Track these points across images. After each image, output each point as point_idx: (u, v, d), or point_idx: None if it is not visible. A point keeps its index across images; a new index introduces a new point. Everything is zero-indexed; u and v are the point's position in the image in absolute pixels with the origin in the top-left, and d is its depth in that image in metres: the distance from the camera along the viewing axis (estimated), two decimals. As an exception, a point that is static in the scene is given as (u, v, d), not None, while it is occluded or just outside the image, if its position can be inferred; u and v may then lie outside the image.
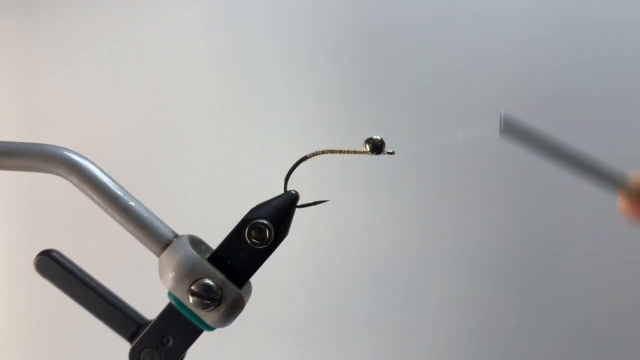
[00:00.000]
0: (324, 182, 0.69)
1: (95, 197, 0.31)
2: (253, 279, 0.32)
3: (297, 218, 0.32)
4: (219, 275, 0.30)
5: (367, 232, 0.73)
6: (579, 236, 0.70)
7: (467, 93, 0.71)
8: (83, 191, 0.31)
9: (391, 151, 0.32)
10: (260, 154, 0.74)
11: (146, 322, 0.32)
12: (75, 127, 0.77)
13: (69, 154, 0.31)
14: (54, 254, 0.33)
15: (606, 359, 0.68)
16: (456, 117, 0.71)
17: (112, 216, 0.31)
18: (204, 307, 0.30)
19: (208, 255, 0.31)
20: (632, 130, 0.69)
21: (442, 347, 0.71)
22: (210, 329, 0.31)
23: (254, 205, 0.31)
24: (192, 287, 0.29)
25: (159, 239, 0.31)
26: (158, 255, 0.31)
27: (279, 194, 0.32)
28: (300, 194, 0.32)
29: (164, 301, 0.32)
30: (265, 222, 0.30)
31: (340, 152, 0.32)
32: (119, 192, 0.31)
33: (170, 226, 0.32)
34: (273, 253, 0.31)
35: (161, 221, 0.32)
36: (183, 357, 0.32)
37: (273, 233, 0.30)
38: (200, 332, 0.31)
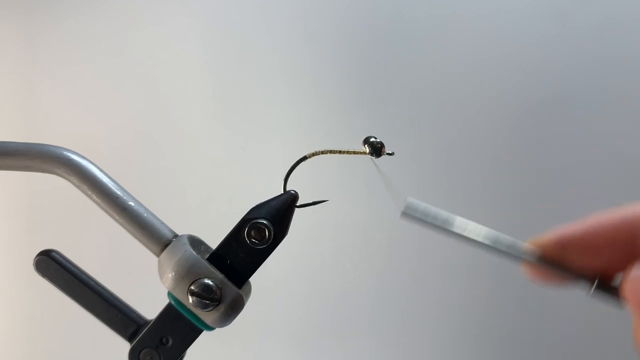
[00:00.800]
0: (324, 182, 0.69)
1: (94, 197, 0.31)
2: (253, 279, 0.32)
3: (297, 218, 0.32)
4: (219, 275, 0.30)
5: (366, 232, 0.73)
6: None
7: (467, 93, 0.71)
8: (83, 191, 0.31)
9: (391, 152, 0.32)
10: (260, 154, 0.74)
11: (146, 322, 0.32)
12: (75, 127, 0.77)
13: (69, 154, 0.31)
14: (54, 254, 0.33)
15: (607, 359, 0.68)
16: (456, 117, 0.72)
17: (111, 216, 0.31)
18: (204, 307, 0.30)
19: (207, 255, 0.31)
20: (632, 130, 0.69)
21: (443, 347, 0.71)
22: (210, 328, 0.31)
23: (253, 205, 0.31)
24: (192, 287, 0.29)
25: (158, 239, 0.31)
26: (157, 255, 0.31)
27: (279, 194, 0.32)
28: (300, 194, 0.32)
29: (164, 301, 0.32)
30: (264, 222, 0.30)
31: (340, 152, 0.32)
32: (118, 192, 0.31)
33: (170, 226, 0.33)
34: (273, 253, 0.31)
35: (161, 221, 0.32)
36: (182, 357, 0.32)
37: (272, 233, 0.30)
38: (200, 332, 0.31)
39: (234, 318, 0.31)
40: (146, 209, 0.31)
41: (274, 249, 0.31)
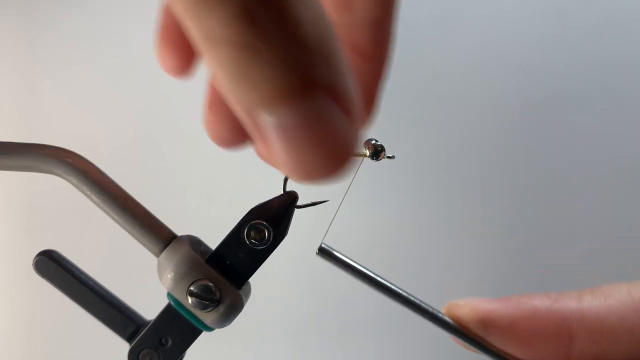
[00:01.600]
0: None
1: (93, 197, 0.31)
2: (253, 279, 0.32)
3: (297, 218, 0.32)
4: (218, 276, 0.30)
5: (367, 232, 0.73)
6: (579, 236, 0.70)
7: (467, 93, 0.71)
8: (82, 191, 0.31)
9: (391, 155, 0.32)
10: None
11: (145, 322, 0.32)
12: (75, 127, 0.77)
13: (68, 154, 0.31)
14: (53, 255, 0.33)
15: None
16: (456, 117, 0.72)
17: (110, 216, 0.31)
18: (203, 307, 0.30)
19: (207, 256, 0.31)
20: (633, 130, 0.69)
21: (443, 347, 0.71)
22: (209, 329, 0.31)
23: (253, 206, 0.31)
24: (191, 288, 0.30)
25: (157, 240, 0.31)
26: (157, 255, 0.31)
27: (278, 194, 0.32)
28: (300, 194, 0.32)
29: (164, 301, 0.32)
30: (264, 222, 0.30)
31: (340, 153, 0.32)
32: (117, 193, 0.31)
33: (170, 226, 0.33)
34: (272, 253, 0.31)
35: (160, 221, 0.32)
36: (182, 357, 0.32)
37: (272, 233, 0.31)
38: (199, 332, 0.31)
39: (233, 319, 0.31)
40: (145, 210, 0.31)
41: (273, 249, 0.31)
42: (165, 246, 0.31)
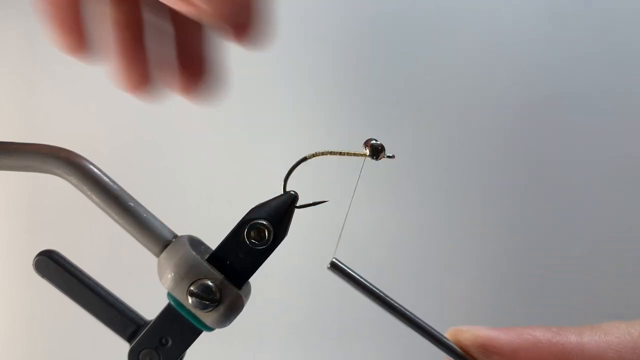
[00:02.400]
0: (323, 182, 0.69)
1: (94, 197, 0.31)
2: (253, 280, 0.32)
3: (297, 219, 0.32)
4: (218, 275, 0.30)
5: (367, 232, 0.73)
6: (579, 236, 0.70)
7: (467, 93, 0.71)
8: (82, 191, 0.31)
9: (391, 155, 0.32)
10: (260, 154, 0.74)
11: (145, 322, 0.32)
12: (75, 127, 0.77)
13: (68, 154, 0.31)
14: (54, 255, 0.33)
15: None
16: (457, 116, 0.72)
17: (111, 216, 0.31)
18: (203, 307, 0.30)
19: (207, 256, 0.31)
20: (633, 130, 0.69)
21: (442, 347, 0.71)
22: (210, 329, 0.31)
23: (253, 206, 0.31)
24: (191, 288, 0.29)
25: (158, 240, 0.31)
26: (157, 255, 0.31)
27: (278, 194, 0.32)
28: (300, 195, 0.32)
29: (164, 302, 0.32)
30: (264, 222, 0.30)
31: (340, 154, 0.32)
32: (118, 193, 0.31)
33: (170, 226, 0.33)
34: (273, 254, 0.31)
35: (160, 222, 0.32)
36: (182, 357, 0.32)
37: (272, 233, 0.30)
38: (200, 332, 0.31)
39: (233, 319, 0.31)
40: (146, 210, 0.31)
41: (273, 249, 0.31)
42: (165, 246, 0.31)
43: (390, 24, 0.72)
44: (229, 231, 0.31)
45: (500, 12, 0.71)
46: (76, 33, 0.28)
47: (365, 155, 0.31)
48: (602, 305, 0.69)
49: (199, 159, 0.76)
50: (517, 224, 0.71)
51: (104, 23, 0.27)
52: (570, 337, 0.27)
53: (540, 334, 0.27)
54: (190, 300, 0.30)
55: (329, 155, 0.32)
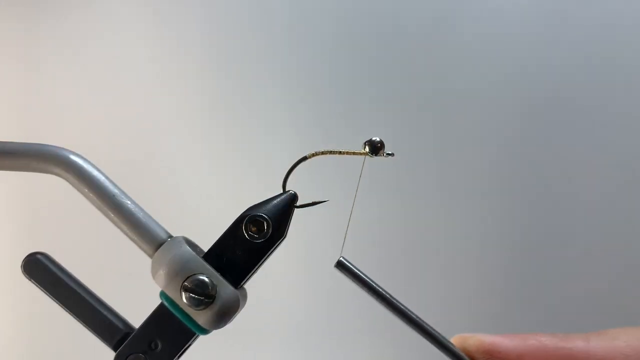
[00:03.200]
0: (324, 182, 0.69)
1: (90, 195, 0.30)
2: (253, 279, 0.32)
3: (297, 219, 0.32)
4: (214, 272, 0.29)
5: (367, 232, 0.72)
6: (579, 236, 0.70)
7: (467, 93, 0.71)
8: (79, 190, 0.31)
9: (391, 152, 0.32)
10: (259, 154, 0.74)
11: (133, 330, 0.31)
12: (75, 127, 0.77)
13: (65, 153, 0.31)
14: (42, 257, 0.32)
15: None
16: (457, 116, 0.71)
17: (106, 215, 0.31)
18: (197, 304, 0.29)
19: (203, 254, 0.30)
20: (632, 130, 0.69)
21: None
22: (203, 331, 0.30)
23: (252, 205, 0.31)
24: (185, 283, 0.29)
25: (152, 239, 0.30)
26: (151, 256, 0.30)
27: (278, 193, 0.31)
28: (299, 195, 0.32)
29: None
30: (263, 214, 0.30)
31: (340, 153, 0.32)
32: (114, 191, 0.30)
33: (168, 227, 0.32)
34: (272, 255, 0.31)
35: (156, 222, 0.31)
36: None
37: (271, 226, 0.30)
38: (192, 335, 0.30)
39: (227, 320, 0.29)
40: (142, 209, 0.31)
41: (272, 246, 0.30)
42: (160, 246, 0.30)
43: (391, 24, 0.72)
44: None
45: (501, 13, 0.70)
46: None
47: (365, 154, 0.31)
48: (602, 305, 0.69)
49: (199, 159, 0.76)
50: (517, 224, 0.71)
51: None
52: (577, 343, 0.27)
53: (546, 340, 0.27)
54: (183, 296, 0.29)
55: (328, 155, 0.32)
